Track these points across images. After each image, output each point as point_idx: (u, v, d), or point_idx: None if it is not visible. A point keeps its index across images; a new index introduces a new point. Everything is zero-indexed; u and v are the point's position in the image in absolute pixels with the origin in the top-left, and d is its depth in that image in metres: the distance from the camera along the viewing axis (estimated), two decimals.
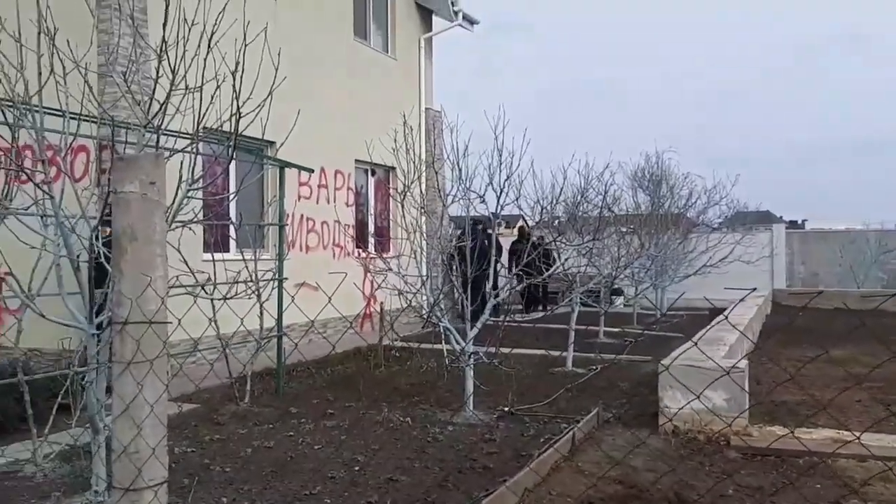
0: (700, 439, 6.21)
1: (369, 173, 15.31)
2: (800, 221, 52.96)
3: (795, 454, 5.80)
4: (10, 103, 4.68)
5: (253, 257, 7.83)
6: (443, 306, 7.69)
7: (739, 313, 11.67)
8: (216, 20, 4.96)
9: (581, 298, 10.70)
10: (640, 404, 7.51)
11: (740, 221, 19.62)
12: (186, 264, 6.08)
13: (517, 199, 8.14)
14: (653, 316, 16.17)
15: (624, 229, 13.53)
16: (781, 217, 47.69)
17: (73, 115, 4.83)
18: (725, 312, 2.30)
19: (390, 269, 8.02)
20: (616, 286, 14.74)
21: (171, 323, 2.38)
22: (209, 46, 4.90)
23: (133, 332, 2.25)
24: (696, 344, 5.60)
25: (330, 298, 2.94)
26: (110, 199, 2.39)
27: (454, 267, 8.09)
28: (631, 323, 15.10)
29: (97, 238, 4.63)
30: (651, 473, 5.32)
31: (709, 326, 6.66)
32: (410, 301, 8.01)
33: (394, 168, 11.92)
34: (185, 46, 4.88)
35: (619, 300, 17.53)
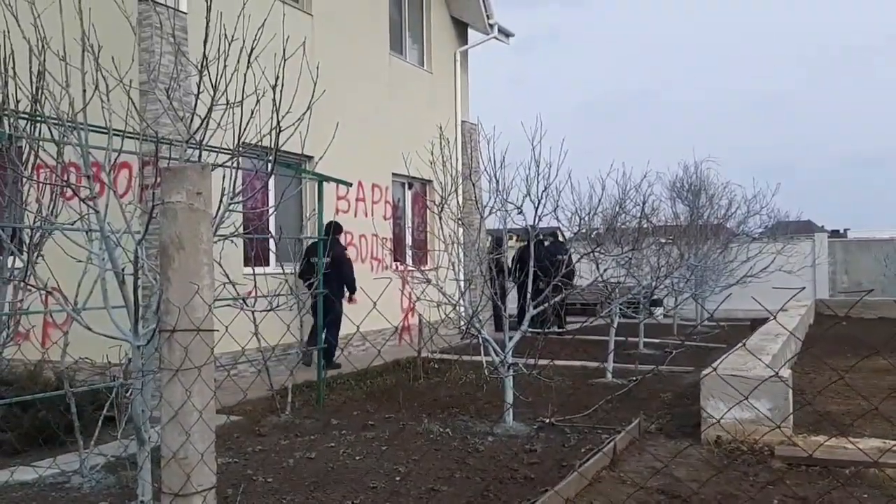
0: (743, 449, 6.13)
1: (406, 186, 15.37)
2: (842, 231, 52.05)
3: (841, 464, 5.71)
4: (56, 120, 4.78)
5: (293, 271, 7.89)
6: (481, 318, 7.69)
7: (782, 322, 11.50)
8: (255, 36, 5.03)
9: (620, 309, 10.64)
10: (682, 415, 7.44)
11: (781, 231, 19.32)
12: (228, 278, 6.15)
13: (555, 210, 8.14)
14: (693, 327, 16.02)
15: (663, 240, 13.43)
16: (823, 227, 46.91)
17: (116, 132, 4.92)
18: (774, 313, 2.27)
19: (428, 282, 8.04)
20: (655, 297, 14.63)
21: (217, 331, 2.42)
22: (249, 61, 4.97)
23: (181, 339, 2.29)
24: (744, 345, 5.54)
25: (375, 304, 2.96)
26: (157, 209, 2.43)
27: (493, 279, 8.09)
28: (671, 334, 14.96)
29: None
30: (694, 483, 5.27)
31: (751, 336, 6.60)
32: (449, 313, 8.03)
33: (431, 181, 11.97)
34: (225, 62, 4.96)
35: (659, 311, 17.39)
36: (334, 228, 11.30)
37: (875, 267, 21.57)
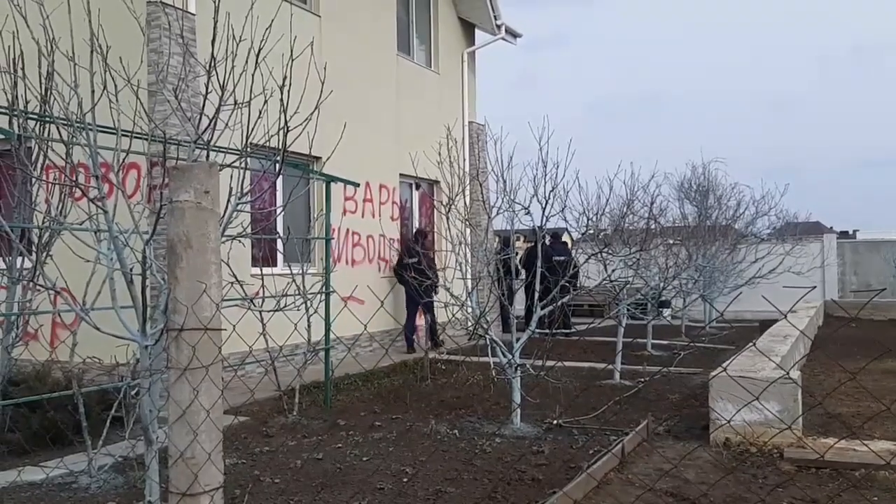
0: (752, 451, 6.11)
1: (413, 187, 15.37)
2: (851, 232, 51.83)
3: (851, 466, 5.67)
4: (65, 121, 4.78)
5: (300, 271, 7.89)
6: (488, 319, 7.67)
7: (792, 322, 11.44)
8: (263, 36, 5.03)
9: (628, 310, 10.61)
10: (691, 416, 7.41)
11: (790, 232, 19.26)
12: (235, 278, 6.15)
13: (562, 211, 8.12)
14: (702, 328, 15.99)
15: (671, 241, 13.41)
16: (832, 228, 46.76)
17: (125, 133, 4.92)
18: (785, 312, 2.26)
19: (436, 282, 8.03)
20: (663, 298, 14.60)
21: (225, 330, 2.41)
22: (257, 62, 4.97)
23: (189, 338, 2.28)
24: (754, 345, 5.51)
25: (382, 303, 2.96)
26: (165, 208, 2.43)
27: (500, 280, 8.07)
28: (679, 335, 14.93)
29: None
30: (703, 485, 5.25)
31: (760, 337, 6.58)
32: (456, 314, 8.02)
33: (438, 181, 11.96)
34: (233, 62, 4.96)
35: (667, 312, 17.37)
36: (423, 233, 13.86)
37: (884, 268, 21.48)
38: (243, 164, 5.15)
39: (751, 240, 17.29)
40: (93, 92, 4.67)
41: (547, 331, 7.81)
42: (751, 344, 7.25)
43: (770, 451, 6.05)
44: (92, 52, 4.70)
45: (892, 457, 5.42)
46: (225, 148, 5.46)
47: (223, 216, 4.79)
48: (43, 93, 5.33)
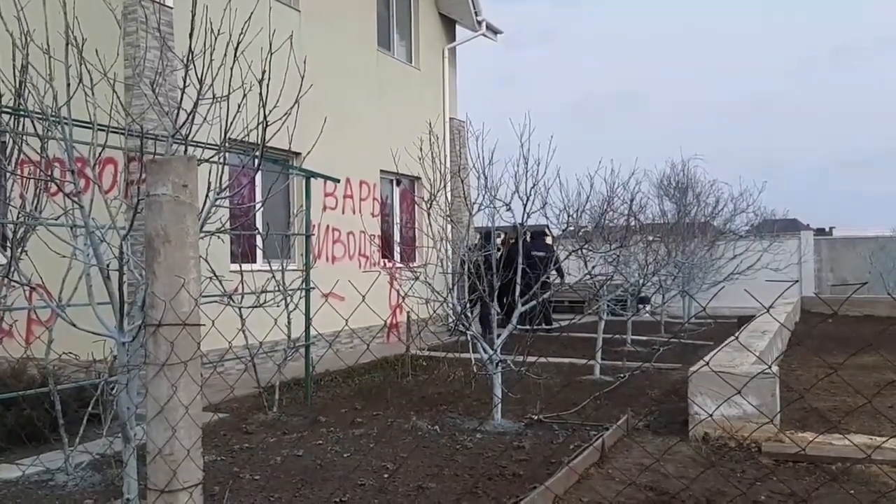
0: (731, 445, 6.14)
1: (394, 183, 15.34)
2: (827, 229, 52.27)
3: (828, 460, 5.72)
4: (40, 115, 4.72)
5: (280, 267, 7.83)
6: (469, 315, 7.67)
7: (768, 319, 11.53)
8: (242, 29, 4.98)
9: (608, 306, 10.64)
10: (670, 412, 7.44)
11: (767, 229, 19.39)
12: (214, 274, 6.10)
13: (543, 207, 8.12)
14: (680, 324, 16.08)
15: (651, 237, 13.46)
16: (808, 225, 47.13)
17: (101, 127, 4.86)
18: (767, 306, 2.26)
19: (417, 279, 8.02)
20: (643, 294, 14.65)
21: (204, 325, 2.38)
22: (235, 55, 4.92)
23: (167, 333, 2.25)
24: (737, 338, 5.54)
25: (364, 298, 2.94)
26: (143, 203, 2.40)
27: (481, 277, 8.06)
28: (658, 331, 15.00)
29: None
30: (683, 479, 5.27)
31: (738, 333, 6.64)
32: (437, 310, 8.01)
33: (419, 178, 11.94)
34: (211, 56, 4.91)
35: (647, 308, 17.44)
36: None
37: (860, 265, 21.65)
38: (222, 159, 5.10)
39: (729, 236, 17.40)
40: (68, 85, 4.62)
41: (528, 327, 7.80)
42: (732, 338, 7.30)
43: (748, 445, 6.08)
44: (67, 44, 4.64)
45: (872, 451, 5.46)
46: (203, 143, 5.42)
47: (201, 211, 4.76)
48: (17, 86, 5.25)
